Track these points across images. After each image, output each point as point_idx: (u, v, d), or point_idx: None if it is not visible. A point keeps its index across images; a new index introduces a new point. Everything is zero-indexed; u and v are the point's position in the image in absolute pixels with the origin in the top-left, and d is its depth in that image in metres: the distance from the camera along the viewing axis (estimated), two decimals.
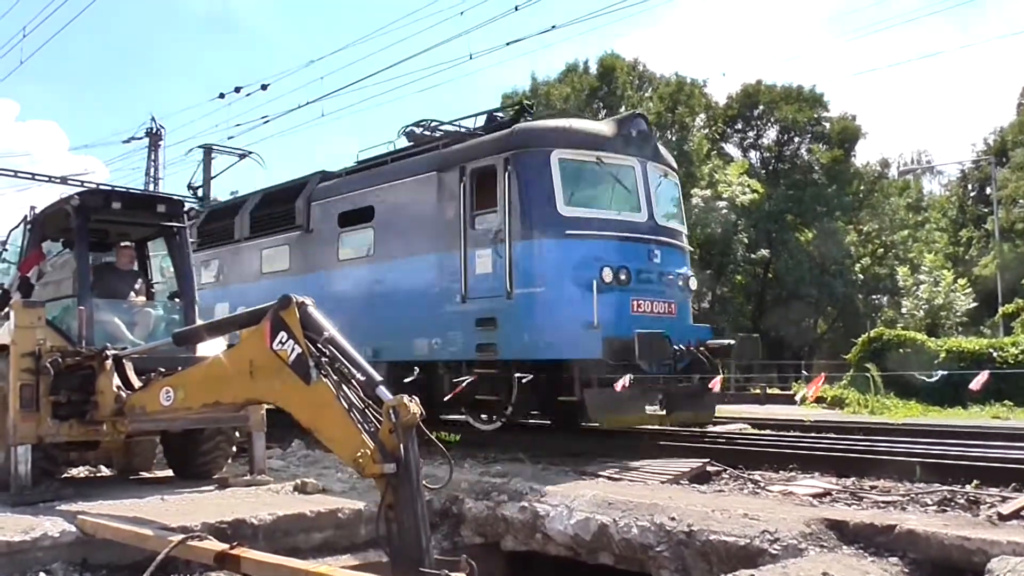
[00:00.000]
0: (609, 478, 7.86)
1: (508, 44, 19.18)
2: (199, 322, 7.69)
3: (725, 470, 8.16)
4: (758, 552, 5.44)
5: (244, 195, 16.12)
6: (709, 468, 8.16)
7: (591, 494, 6.79)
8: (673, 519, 6.03)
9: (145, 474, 8.98)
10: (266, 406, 7.50)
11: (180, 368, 6.49)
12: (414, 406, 4.35)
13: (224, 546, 4.96)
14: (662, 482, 7.61)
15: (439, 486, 5.21)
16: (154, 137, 40.39)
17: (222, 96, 29.62)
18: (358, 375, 4.72)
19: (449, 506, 7.40)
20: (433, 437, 4.71)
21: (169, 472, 8.76)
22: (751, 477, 7.84)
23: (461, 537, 7.26)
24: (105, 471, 9.29)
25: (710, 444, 9.70)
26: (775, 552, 5.36)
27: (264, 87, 27.94)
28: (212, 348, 6.86)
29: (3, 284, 8.86)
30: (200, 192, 16.54)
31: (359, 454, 4.39)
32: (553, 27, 17.39)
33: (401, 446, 4.31)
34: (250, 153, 17.91)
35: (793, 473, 7.84)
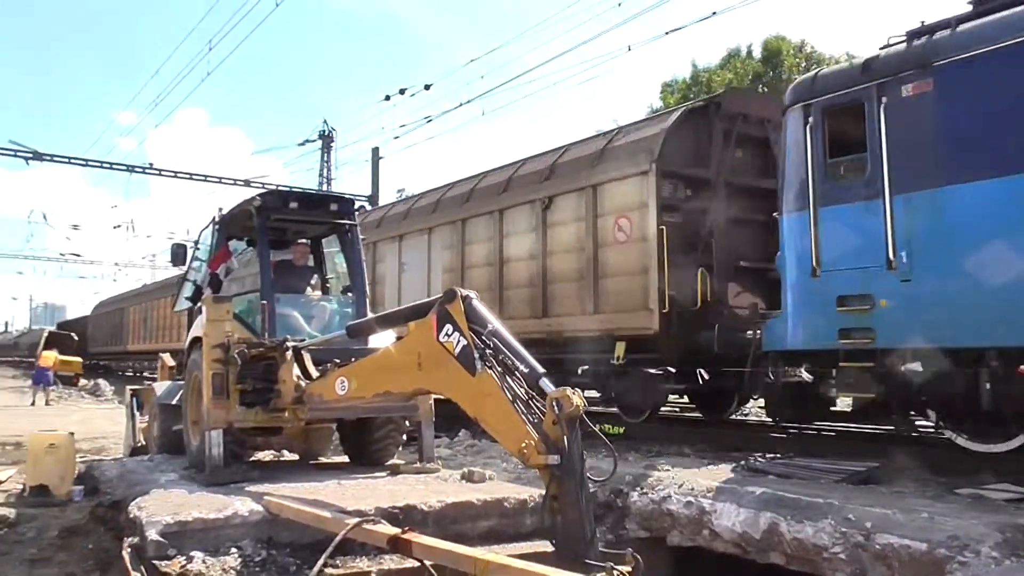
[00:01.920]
0: (779, 475, 7.58)
1: (667, 33, 18.81)
2: (370, 315, 7.97)
3: (905, 469, 7.69)
4: (945, 559, 5.09)
5: None
6: (887, 466, 7.73)
7: (760, 491, 6.57)
8: (849, 519, 5.74)
9: (323, 459, 9.40)
10: (434, 396, 7.72)
11: (353, 359, 6.77)
12: (577, 398, 4.36)
13: (396, 530, 5.13)
14: (836, 480, 7.26)
15: (603, 478, 5.18)
16: (326, 139, 42.60)
17: (388, 98, 30.84)
18: (521, 367, 4.77)
19: (613, 499, 7.36)
20: (596, 429, 4.69)
21: (345, 458, 9.13)
22: (936, 478, 7.35)
23: (626, 530, 7.21)
24: (288, 456, 9.81)
25: (889, 441, 9.16)
26: (965, 560, 5.00)
27: (427, 87, 28.84)
28: (383, 340, 7.11)
29: (196, 280, 9.45)
30: None
31: (523, 444, 4.44)
32: (714, 13, 16.95)
33: (564, 438, 4.33)
34: None
35: (986, 475, 7.28)
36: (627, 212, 11.06)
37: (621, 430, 11.22)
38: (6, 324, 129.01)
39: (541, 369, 4.72)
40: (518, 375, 4.77)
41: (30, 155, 35.16)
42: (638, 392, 10.99)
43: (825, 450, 8.63)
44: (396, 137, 47.07)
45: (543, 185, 12.63)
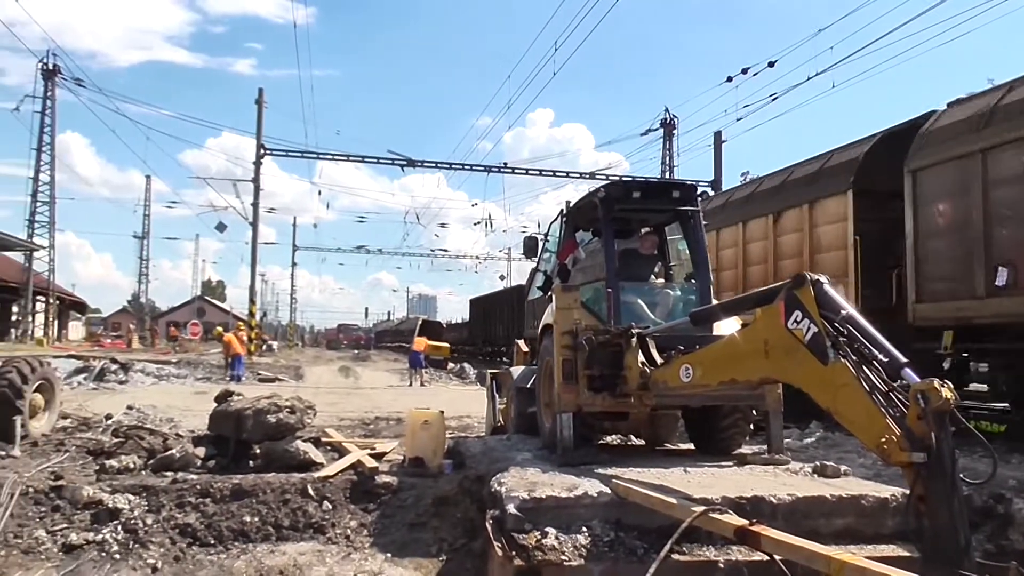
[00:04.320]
0: None
1: None
2: (714, 302, 7.86)
3: None
4: None
5: None
6: None
7: None
8: None
9: (669, 446, 9.46)
10: (783, 385, 7.43)
11: (697, 346, 6.71)
12: (946, 391, 3.95)
13: (744, 521, 5.02)
14: None
15: (980, 481, 4.65)
16: (668, 127, 42.81)
17: (730, 79, 30.27)
18: (880, 356, 4.42)
19: (993, 504, 6.60)
20: (971, 426, 4.22)
21: (690, 445, 9.11)
22: None
23: (1010, 541, 6.42)
24: (634, 441, 10.00)
25: None
26: None
27: (771, 64, 27.87)
28: (727, 327, 6.98)
29: (547, 271, 9.93)
30: None
31: (883, 440, 4.13)
32: None
33: (932, 434, 3.95)
34: None
35: None
36: None
37: (1002, 428, 10.00)
38: (388, 313, 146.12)
39: (903, 359, 4.35)
40: (876, 365, 4.43)
41: (405, 162, 39.51)
42: None
43: None
44: (739, 119, 45.65)
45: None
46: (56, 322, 54.18)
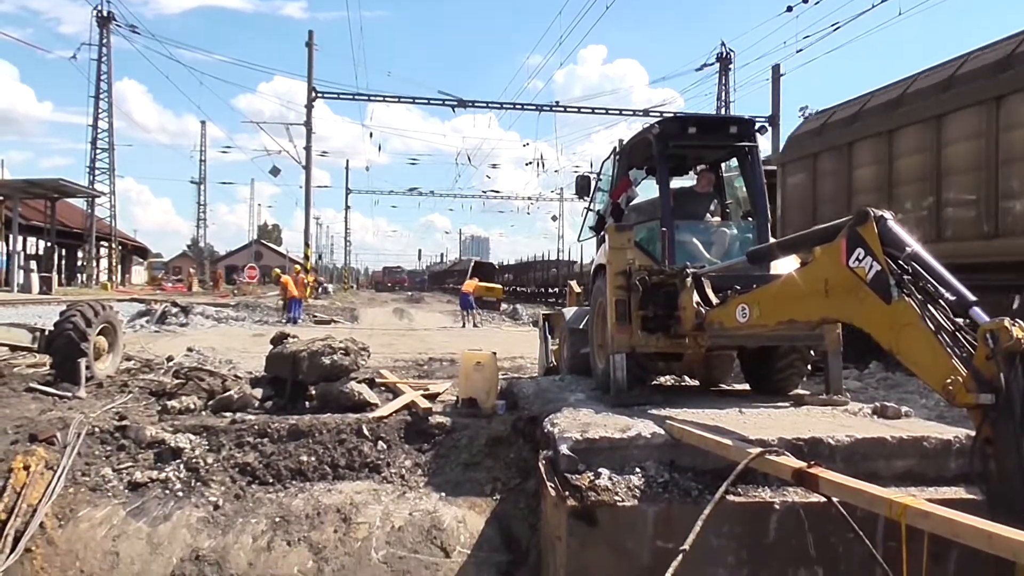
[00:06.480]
0: None
1: None
2: (772, 240, 7.67)
3: None
4: None
5: None
6: None
7: None
8: None
9: (724, 386, 9.37)
10: (841, 324, 7.26)
11: (755, 286, 6.57)
12: (1017, 330, 3.79)
13: (801, 464, 4.93)
14: None
15: None
16: (724, 61, 41.87)
17: (790, 9, 29.33)
18: (947, 294, 4.26)
19: None
20: None
21: (745, 386, 9.01)
22: None
23: None
24: (688, 381, 9.91)
25: None
26: None
27: None
28: (785, 266, 6.81)
29: (599, 211, 9.77)
30: None
31: (948, 380, 3.99)
32: None
33: (1001, 375, 3.80)
34: None
35: None
36: None
37: None
38: (441, 255, 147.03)
39: (972, 297, 4.18)
40: (942, 304, 4.27)
41: (455, 103, 39.29)
42: None
43: None
44: (799, 51, 44.44)
45: None
46: (120, 267, 55.62)
